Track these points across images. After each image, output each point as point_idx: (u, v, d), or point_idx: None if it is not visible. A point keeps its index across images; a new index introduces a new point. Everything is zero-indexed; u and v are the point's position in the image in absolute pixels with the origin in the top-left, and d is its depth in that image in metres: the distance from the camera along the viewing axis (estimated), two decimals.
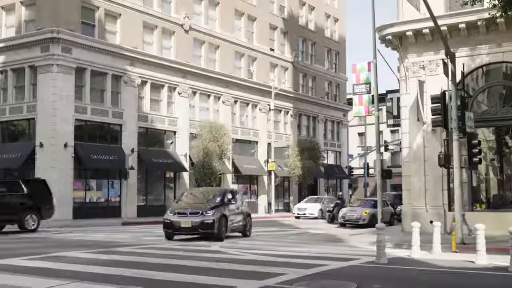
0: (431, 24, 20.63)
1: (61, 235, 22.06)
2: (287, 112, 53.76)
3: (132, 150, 37.15)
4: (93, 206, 36.20)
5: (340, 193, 47.19)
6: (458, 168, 18.26)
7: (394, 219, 33.61)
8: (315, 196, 46.88)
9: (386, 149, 59.19)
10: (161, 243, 18.78)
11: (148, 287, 9.45)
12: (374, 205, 29.34)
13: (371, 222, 28.93)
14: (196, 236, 20.40)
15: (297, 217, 41.04)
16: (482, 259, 13.27)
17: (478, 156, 18.81)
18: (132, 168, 35.50)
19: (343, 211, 32.40)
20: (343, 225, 31.20)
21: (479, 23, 22.28)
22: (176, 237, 20.30)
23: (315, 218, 39.73)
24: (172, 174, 42.32)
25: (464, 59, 22.28)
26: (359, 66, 30.48)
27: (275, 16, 52.87)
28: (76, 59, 34.88)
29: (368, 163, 55.42)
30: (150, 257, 14.05)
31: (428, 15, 19.10)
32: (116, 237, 21.26)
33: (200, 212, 20.03)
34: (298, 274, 11.16)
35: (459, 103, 18.22)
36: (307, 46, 57.64)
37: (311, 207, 41.50)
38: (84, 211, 34.56)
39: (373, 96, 26.45)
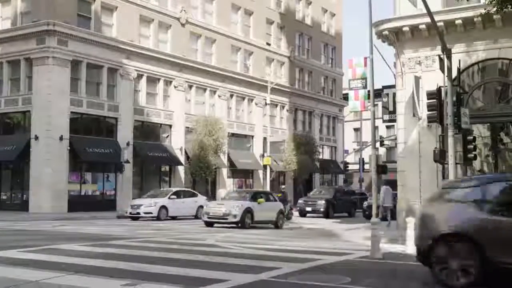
0: (427, 19, 20.61)
1: (56, 228, 22.05)
2: (283, 107, 53.76)
3: (128, 144, 37.11)
4: (88, 199, 36.16)
5: (283, 187, 42.05)
6: (453, 164, 18.29)
7: (354, 209, 37.96)
8: (172, 189, 33.79)
9: (382, 145, 59.20)
10: (156, 236, 18.80)
11: (142, 280, 9.46)
12: (254, 198, 25.42)
13: (243, 219, 24.01)
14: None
15: (134, 218, 29.22)
16: None
17: (473, 152, 18.84)
18: (127, 161, 35.48)
19: (208, 205, 26.12)
20: (209, 224, 24.64)
21: (475, 19, 22.28)
22: (171, 231, 20.30)
23: (154, 218, 29.09)
24: (167, 168, 42.31)
25: (460, 55, 22.29)
26: (355, 61, 30.44)
27: (272, 10, 52.80)
28: (72, 51, 34.79)
29: (363, 158, 55.37)
30: (145, 250, 14.06)
31: (424, 11, 19.09)
32: (111, 230, 21.26)
33: None
34: (292, 268, 11.19)
35: (454, 99, 18.24)
36: (303, 41, 57.59)
37: (149, 203, 29.74)
38: (79, 204, 34.52)
39: (369, 91, 26.49)
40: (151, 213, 29.27)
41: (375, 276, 10.69)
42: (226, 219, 24.01)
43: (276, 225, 25.87)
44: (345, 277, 10.15)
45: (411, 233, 14.94)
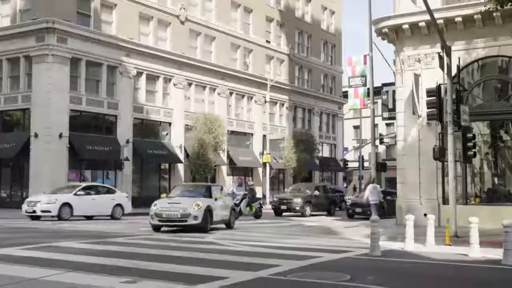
0: (427, 17, 20.60)
1: (56, 225, 22.04)
2: (283, 105, 53.75)
3: (127, 141, 37.12)
4: None
5: (251, 183, 36.94)
6: (452, 162, 18.30)
7: (333, 208, 35.79)
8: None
9: (381, 142, 59.12)
10: (155, 234, 18.79)
11: (142, 278, 9.46)
12: (209, 193, 21.24)
13: (206, 221, 19.76)
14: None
15: (33, 217, 25.20)
16: (476, 252, 13.33)
17: (473, 150, 18.84)
18: (127, 159, 35.48)
19: (157, 204, 20.13)
20: (157, 229, 19.91)
21: (475, 16, 22.28)
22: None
23: (54, 217, 25.00)
24: (167, 166, 42.33)
25: (460, 53, 22.28)
26: (355, 59, 30.51)
27: (272, 8, 52.75)
28: (71, 49, 34.77)
29: (363, 156, 55.33)
30: (144, 247, 14.06)
31: (424, 8, 19.08)
32: (110, 227, 21.25)
33: None
34: (292, 266, 11.19)
35: (454, 96, 18.23)
36: (303, 39, 57.57)
37: (48, 199, 25.47)
38: None
39: (368, 89, 26.53)
40: (49, 211, 24.69)
41: (374, 274, 10.68)
42: (185, 221, 19.35)
43: (229, 225, 22.05)
44: (345, 275, 10.15)
45: (410, 231, 14.96)
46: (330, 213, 34.94)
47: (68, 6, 34.90)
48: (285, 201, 34.00)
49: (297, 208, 32.94)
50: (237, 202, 27.79)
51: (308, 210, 33.02)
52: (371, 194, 26.47)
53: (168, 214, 19.50)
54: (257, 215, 29.96)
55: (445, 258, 13.19)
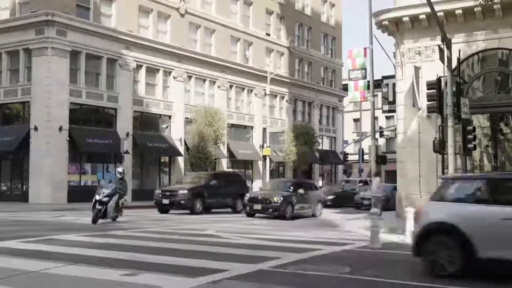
0: (427, 9, 20.57)
1: (56, 218, 22.07)
2: (283, 97, 53.69)
3: (127, 134, 37.10)
4: (88, 189, 36.08)
5: (121, 170, 21.64)
6: (452, 154, 18.30)
7: (240, 202, 28.35)
8: None
9: (381, 135, 59.19)
10: (156, 227, 18.82)
11: (142, 270, 9.48)
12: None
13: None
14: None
15: None
16: None
17: (473, 143, 18.85)
18: (127, 152, 35.47)
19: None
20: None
21: (475, 9, 22.25)
22: (170, 222, 20.30)
23: None
24: (167, 159, 42.32)
25: (460, 45, 22.26)
26: (355, 52, 30.47)
27: (272, 0, 52.59)
28: (71, 42, 34.69)
29: (363, 149, 55.36)
30: (144, 240, 14.08)
31: (424, 1, 19.03)
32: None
33: None
34: (292, 258, 11.22)
35: (454, 89, 18.23)
36: (303, 31, 57.45)
37: None
38: (78, 194, 34.48)
39: (368, 81, 26.49)
40: None
41: (374, 266, 10.71)
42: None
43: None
44: (345, 267, 10.18)
45: (410, 223, 14.98)
46: (235, 209, 28.86)
47: None
48: (168, 193, 27.11)
49: (183, 202, 26.38)
50: (105, 199, 19.23)
51: (198, 205, 26.71)
52: (376, 187, 26.47)
53: None
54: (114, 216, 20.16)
55: None
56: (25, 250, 11.83)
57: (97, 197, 19.21)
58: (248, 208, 26.02)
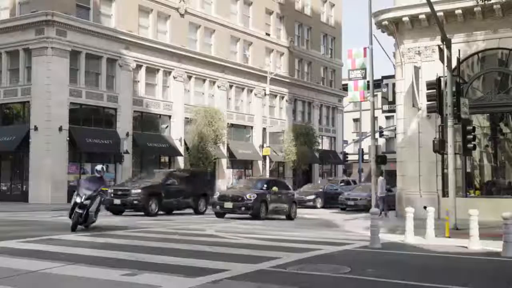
0: (427, 9, 20.59)
1: (56, 218, 22.06)
2: (283, 97, 53.71)
3: (127, 134, 37.14)
4: None
5: (99, 168, 17.44)
6: (452, 154, 18.33)
7: (204, 203, 27.00)
8: None
9: (381, 135, 59.21)
10: (156, 226, 18.82)
11: (142, 270, 9.48)
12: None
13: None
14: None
15: None
16: (475, 244, 13.36)
17: (473, 142, 18.88)
18: (127, 152, 35.49)
19: None
20: None
21: (475, 9, 22.28)
22: (171, 222, 20.31)
23: None
24: (167, 159, 42.34)
25: (460, 45, 22.29)
26: (354, 52, 30.37)
27: (271, 0, 52.62)
28: (71, 42, 34.71)
29: (362, 149, 55.40)
30: (145, 240, 14.08)
31: (424, 1, 19.06)
32: (111, 220, 21.26)
33: None
34: (292, 258, 11.21)
35: (454, 89, 18.25)
36: (303, 31, 57.47)
37: None
38: None
39: (368, 81, 26.48)
40: None
41: (374, 266, 10.71)
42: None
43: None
44: (345, 267, 10.17)
45: (410, 223, 14.99)
46: (197, 210, 26.88)
47: None
48: (120, 192, 24.59)
49: (136, 202, 23.98)
50: (86, 202, 16.06)
51: (154, 206, 24.37)
52: (380, 187, 26.49)
53: None
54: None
55: (444, 250, 13.22)
56: (25, 250, 11.82)
57: (78, 200, 15.95)
58: (218, 207, 23.96)
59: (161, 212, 25.33)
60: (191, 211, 27.02)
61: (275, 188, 24.98)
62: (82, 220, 16.04)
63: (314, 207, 35.50)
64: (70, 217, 16.15)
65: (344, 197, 34.25)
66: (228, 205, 23.63)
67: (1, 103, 36.57)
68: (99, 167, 17.12)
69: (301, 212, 28.43)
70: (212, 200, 25.12)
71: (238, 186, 27.57)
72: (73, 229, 15.76)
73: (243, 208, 23.38)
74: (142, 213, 24.18)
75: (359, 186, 38.75)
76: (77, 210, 15.91)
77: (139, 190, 24.11)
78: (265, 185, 25.24)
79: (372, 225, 13.75)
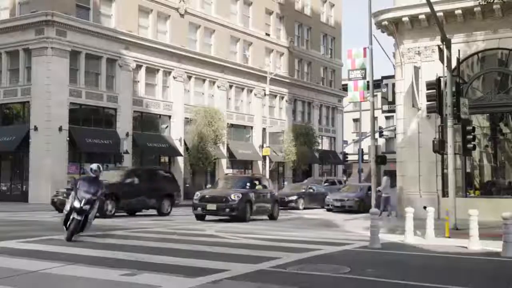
0: (427, 10, 20.59)
1: (56, 219, 22.04)
2: (282, 98, 53.71)
3: (127, 134, 37.14)
4: None
5: (95, 167, 14.68)
6: (452, 154, 18.33)
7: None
8: None
9: (381, 135, 59.22)
10: (156, 227, 18.82)
11: (142, 270, 9.48)
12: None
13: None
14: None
15: None
16: (475, 244, 13.36)
17: (472, 143, 18.88)
18: (126, 152, 35.50)
19: None
20: None
21: (475, 9, 22.27)
22: (171, 221, 20.31)
23: None
24: (166, 159, 42.33)
25: (460, 45, 22.29)
26: (354, 52, 30.38)
27: (271, 0, 52.63)
28: (71, 42, 34.72)
29: (362, 149, 55.42)
30: (144, 240, 14.08)
31: (424, 1, 19.06)
32: (110, 220, 21.26)
33: None
34: (292, 258, 11.21)
35: (454, 89, 18.25)
36: (303, 31, 57.48)
37: None
38: None
39: (368, 82, 26.48)
40: None
41: (374, 266, 10.71)
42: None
43: None
44: (345, 267, 10.18)
45: (410, 223, 14.99)
46: (160, 212, 25.22)
47: None
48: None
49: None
50: (86, 207, 13.69)
51: (110, 207, 22.61)
52: (384, 187, 26.41)
53: None
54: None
55: (444, 251, 13.22)
56: (25, 250, 11.82)
57: (75, 204, 13.52)
58: (199, 209, 22.06)
59: (121, 213, 23.84)
60: (155, 212, 25.43)
61: (259, 187, 23.46)
62: (79, 228, 13.74)
63: (296, 208, 33.37)
64: (64, 224, 13.82)
65: (332, 198, 32.90)
66: (211, 206, 21.79)
67: (1, 103, 36.57)
68: (94, 166, 14.62)
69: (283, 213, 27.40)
70: (193, 202, 22.66)
71: (219, 186, 25.03)
72: (69, 239, 13.40)
73: (227, 210, 21.60)
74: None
75: (346, 186, 38.15)
76: (75, 216, 13.48)
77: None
78: (248, 184, 23.47)
79: (372, 225, 13.75)
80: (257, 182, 23.87)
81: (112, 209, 22.68)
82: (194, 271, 9.51)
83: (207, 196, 22.33)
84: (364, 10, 42.46)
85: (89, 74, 36.49)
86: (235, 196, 21.69)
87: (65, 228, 13.68)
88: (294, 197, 34.38)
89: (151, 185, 25.08)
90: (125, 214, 24.41)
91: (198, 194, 22.78)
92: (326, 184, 41.51)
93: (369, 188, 32.69)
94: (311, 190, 36.72)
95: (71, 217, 13.52)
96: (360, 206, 30.70)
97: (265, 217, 23.95)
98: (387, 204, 26.04)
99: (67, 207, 13.87)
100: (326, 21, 60.96)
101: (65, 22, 34.30)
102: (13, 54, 35.87)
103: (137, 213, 25.40)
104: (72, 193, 13.97)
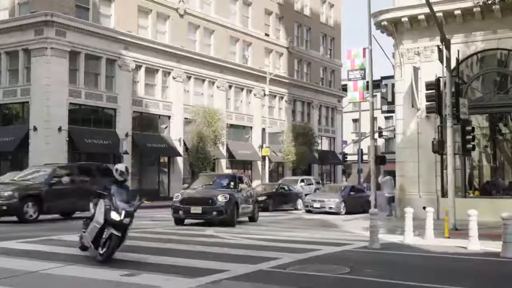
0: (426, 10, 20.59)
1: (55, 219, 22.04)
2: (282, 98, 53.71)
3: (126, 135, 37.12)
4: None
5: (123, 168, 11.28)
6: (451, 155, 18.34)
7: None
8: None
9: (380, 135, 59.25)
10: (155, 227, 18.83)
11: (142, 270, 9.49)
12: None
13: None
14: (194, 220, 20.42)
15: None
16: (474, 244, 13.38)
17: (472, 143, 18.89)
18: (126, 152, 35.47)
19: None
20: None
21: (474, 9, 22.27)
22: (169, 222, 20.32)
23: None
24: (166, 159, 42.29)
25: (459, 46, 22.31)
26: (354, 52, 30.38)
27: (271, 1, 52.63)
28: (70, 42, 34.70)
29: (362, 149, 55.50)
30: (144, 241, 14.10)
31: (423, 1, 19.07)
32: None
33: None
34: (292, 259, 11.23)
35: (453, 89, 18.27)
36: (302, 32, 57.49)
37: None
38: None
39: (367, 82, 26.48)
40: None
41: (373, 266, 10.73)
42: None
43: None
44: (344, 267, 10.20)
45: (409, 223, 15.01)
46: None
47: None
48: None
49: (5, 207, 19.54)
50: (127, 220, 10.82)
51: (32, 210, 19.96)
52: (387, 187, 26.37)
53: None
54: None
55: (443, 251, 13.24)
56: (25, 250, 11.84)
57: (114, 216, 10.46)
58: (181, 212, 19.69)
59: (47, 217, 21.31)
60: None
61: (244, 186, 21.63)
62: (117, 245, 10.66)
63: (266, 209, 29.65)
64: (93, 242, 10.70)
65: (310, 199, 31.03)
66: (196, 209, 19.52)
67: (0, 104, 36.54)
68: (122, 166, 11.28)
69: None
70: (172, 205, 20.35)
71: (199, 185, 22.17)
72: (107, 260, 10.37)
73: (214, 213, 19.37)
74: (16, 219, 19.70)
75: (326, 187, 37.39)
76: (113, 232, 10.44)
77: (11, 192, 19.71)
78: (232, 183, 21.40)
79: (372, 226, 13.77)
80: (239, 181, 21.80)
81: (35, 213, 20.03)
82: (194, 271, 9.53)
83: (190, 198, 19.99)
84: (363, 10, 42.45)
85: (88, 75, 36.47)
86: (222, 198, 19.56)
87: (93, 246, 10.70)
88: (263, 198, 30.62)
89: (86, 185, 21.58)
90: (59, 217, 22.21)
91: (178, 196, 20.44)
92: (302, 183, 40.21)
93: (352, 189, 32.50)
94: (282, 190, 33.79)
95: (105, 232, 10.52)
96: (342, 208, 29.41)
97: (246, 219, 21.97)
98: (390, 204, 26.00)
99: (99, 219, 10.62)
100: (326, 21, 60.98)
101: (65, 23, 34.28)
102: (13, 55, 35.84)
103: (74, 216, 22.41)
104: (102, 201, 10.78)
